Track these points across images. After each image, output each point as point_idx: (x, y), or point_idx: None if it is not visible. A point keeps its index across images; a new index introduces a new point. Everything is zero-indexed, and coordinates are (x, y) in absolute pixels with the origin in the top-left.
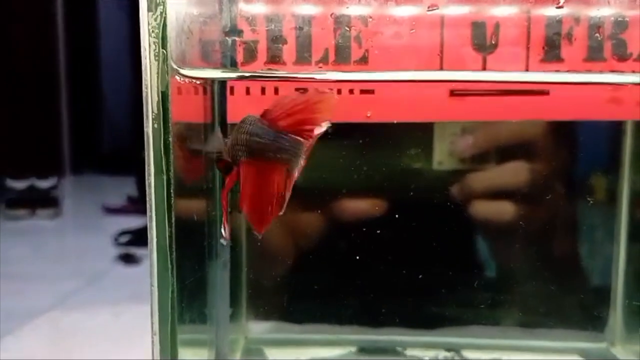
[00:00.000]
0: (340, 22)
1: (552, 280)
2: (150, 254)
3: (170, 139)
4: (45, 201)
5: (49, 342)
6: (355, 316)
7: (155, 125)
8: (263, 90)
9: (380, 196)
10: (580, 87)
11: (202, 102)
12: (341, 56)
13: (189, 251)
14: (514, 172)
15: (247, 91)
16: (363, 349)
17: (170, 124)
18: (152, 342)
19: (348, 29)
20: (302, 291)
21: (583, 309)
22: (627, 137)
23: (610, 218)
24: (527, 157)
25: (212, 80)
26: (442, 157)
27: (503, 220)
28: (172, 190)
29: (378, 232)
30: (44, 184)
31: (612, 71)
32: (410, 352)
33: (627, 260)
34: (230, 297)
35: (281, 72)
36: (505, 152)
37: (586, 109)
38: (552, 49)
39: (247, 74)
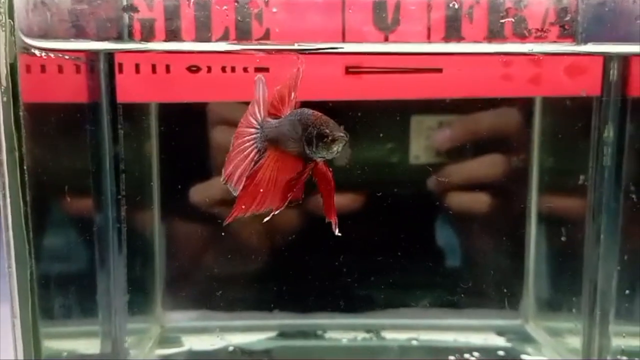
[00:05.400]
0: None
1: (469, 260)
2: (6, 232)
3: (22, 114)
4: None
5: None
6: (277, 302)
7: (5, 99)
8: (154, 68)
9: None
10: (473, 65)
11: (86, 81)
12: (242, 34)
13: (65, 236)
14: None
15: (137, 69)
16: (284, 334)
17: (20, 98)
18: (13, 325)
19: (248, 7)
20: (223, 278)
21: (499, 288)
22: (536, 117)
23: (522, 198)
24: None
25: (98, 57)
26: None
27: (417, 204)
28: (25, 168)
29: (299, 219)
30: None
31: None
32: (330, 334)
33: (537, 239)
34: (144, 286)
35: (139, 45)
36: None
37: (478, 86)
38: (452, 27)
39: (101, 47)
